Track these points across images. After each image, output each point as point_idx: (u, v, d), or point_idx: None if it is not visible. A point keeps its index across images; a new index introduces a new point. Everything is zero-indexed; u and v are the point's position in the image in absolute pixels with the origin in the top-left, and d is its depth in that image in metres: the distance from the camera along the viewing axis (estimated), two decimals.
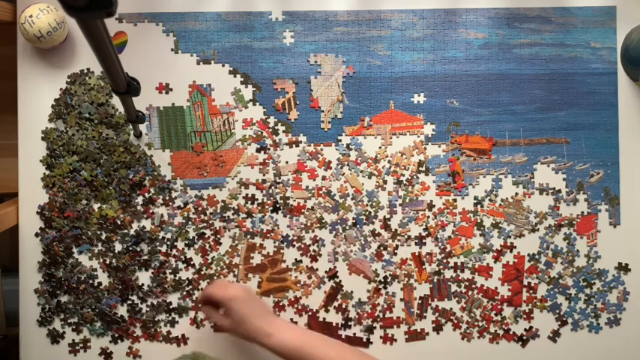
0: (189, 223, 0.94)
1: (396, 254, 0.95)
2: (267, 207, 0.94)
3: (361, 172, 0.95)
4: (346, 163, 0.95)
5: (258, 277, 0.94)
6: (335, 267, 0.94)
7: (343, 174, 0.95)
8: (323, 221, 0.94)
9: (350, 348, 0.86)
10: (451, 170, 0.95)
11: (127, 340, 0.94)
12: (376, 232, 0.94)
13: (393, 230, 0.94)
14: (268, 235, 0.94)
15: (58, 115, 0.93)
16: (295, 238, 0.94)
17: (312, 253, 0.94)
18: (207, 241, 0.94)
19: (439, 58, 0.95)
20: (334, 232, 0.94)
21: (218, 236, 0.94)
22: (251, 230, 0.94)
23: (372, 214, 0.94)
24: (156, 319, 0.94)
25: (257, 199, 0.94)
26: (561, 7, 0.95)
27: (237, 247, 0.94)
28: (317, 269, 0.94)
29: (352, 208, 0.95)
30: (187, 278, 0.94)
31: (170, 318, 0.94)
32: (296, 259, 0.94)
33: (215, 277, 0.94)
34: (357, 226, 0.95)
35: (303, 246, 0.94)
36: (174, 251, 0.94)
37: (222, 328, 0.85)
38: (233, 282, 0.89)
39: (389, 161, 0.95)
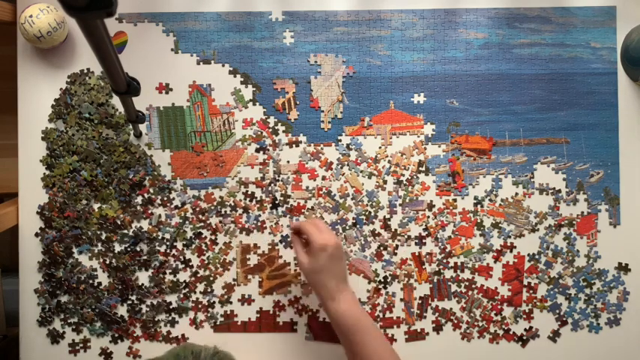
0: (187, 222, 0.94)
1: (396, 254, 0.95)
2: (265, 204, 0.94)
3: (361, 172, 0.95)
4: (346, 163, 0.95)
5: (258, 277, 0.94)
6: None
7: (343, 174, 0.95)
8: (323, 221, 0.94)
9: (392, 350, 0.84)
10: (451, 170, 0.95)
11: (127, 340, 0.94)
12: (376, 232, 0.94)
13: (393, 230, 0.94)
14: (264, 226, 0.94)
15: (58, 115, 0.93)
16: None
17: None
18: (204, 241, 0.94)
19: (439, 58, 0.95)
20: (335, 232, 0.94)
21: (214, 236, 0.94)
22: (246, 227, 0.94)
23: (372, 214, 0.94)
24: (156, 319, 0.94)
25: (256, 197, 0.94)
26: (561, 7, 0.95)
27: (230, 245, 0.94)
28: None
29: (352, 208, 0.95)
30: (184, 280, 0.94)
31: (170, 318, 0.94)
32: None
33: (211, 279, 0.94)
34: (357, 226, 0.94)
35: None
36: (173, 251, 0.94)
37: (299, 263, 0.84)
38: (330, 229, 0.87)
39: (389, 161, 0.95)
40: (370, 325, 0.82)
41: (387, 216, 0.94)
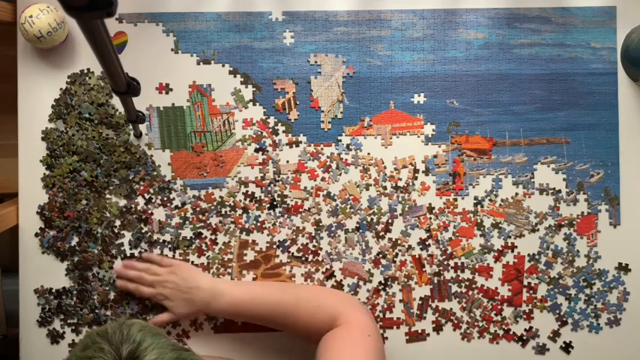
0: (187, 222, 0.94)
1: (395, 262, 0.94)
2: (264, 204, 0.94)
3: (361, 172, 0.95)
4: (341, 161, 0.94)
5: (252, 273, 0.94)
6: (332, 267, 0.94)
7: (340, 174, 0.95)
8: (321, 224, 0.94)
9: (295, 285, 0.90)
10: (452, 171, 0.95)
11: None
12: (380, 233, 0.94)
13: (394, 240, 0.94)
14: (264, 226, 0.94)
15: (58, 115, 0.93)
16: (292, 237, 0.94)
17: (313, 248, 0.94)
18: (204, 241, 0.94)
19: (439, 58, 0.95)
20: (333, 234, 0.94)
21: (214, 236, 0.94)
22: (246, 227, 0.94)
23: (375, 220, 0.94)
24: None
25: (256, 197, 0.94)
26: (561, 7, 0.95)
27: (230, 244, 0.94)
28: (315, 271, 0.94)
29: (352, 215, 0.94)
30: None
31: None
32: (292, 253, 0.94)
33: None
34: (360, 230, 0.94)
35: (301, 247, 0.94)
36: (177, 253, 0.94)
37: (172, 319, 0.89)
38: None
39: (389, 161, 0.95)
40: (264, 284, 0.87)
41: (390, 221, 0.94)
